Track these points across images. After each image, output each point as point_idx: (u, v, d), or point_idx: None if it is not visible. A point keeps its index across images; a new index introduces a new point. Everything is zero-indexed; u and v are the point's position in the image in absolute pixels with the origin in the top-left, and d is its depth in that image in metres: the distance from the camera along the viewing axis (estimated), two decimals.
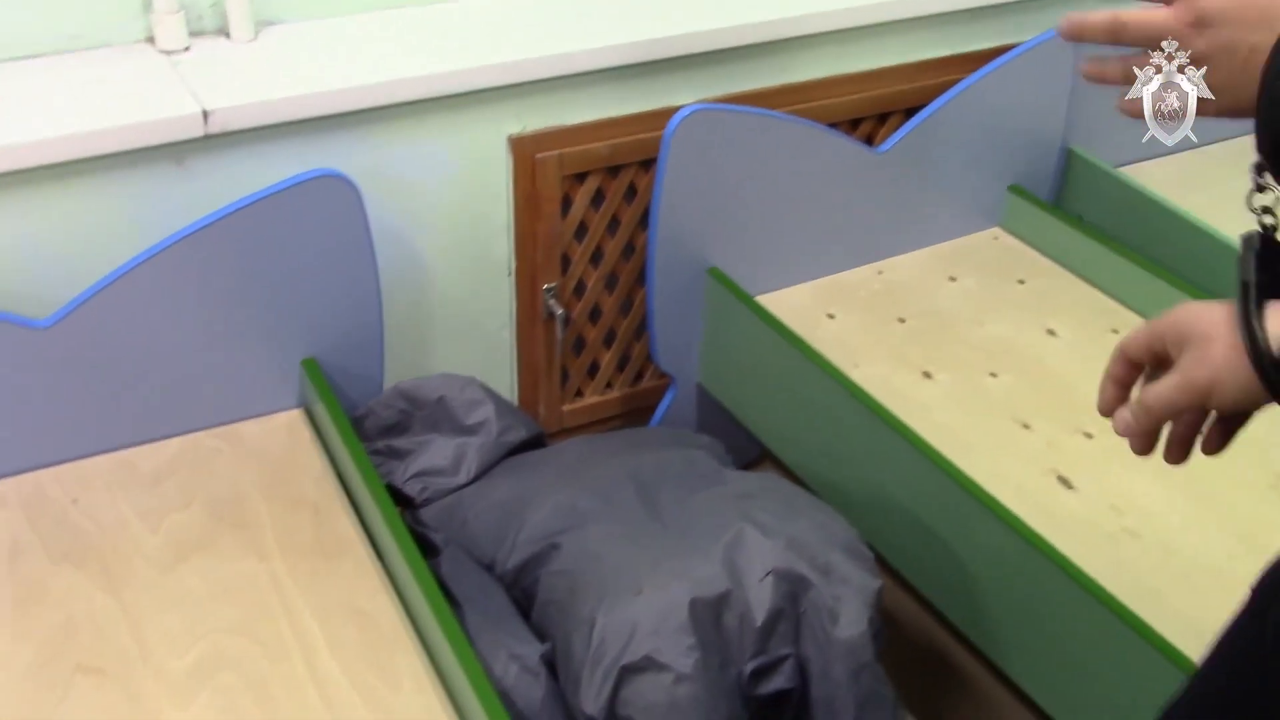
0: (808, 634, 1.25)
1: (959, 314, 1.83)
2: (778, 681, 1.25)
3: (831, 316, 1.82)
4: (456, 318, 1.75)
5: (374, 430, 1.57)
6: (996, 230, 2.03)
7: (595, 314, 1.85)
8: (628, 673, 1.18)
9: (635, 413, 1.95)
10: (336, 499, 1.47)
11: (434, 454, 1.52)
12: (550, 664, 1.25)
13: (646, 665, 1.18)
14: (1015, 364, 1.72)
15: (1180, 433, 0.80)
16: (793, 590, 1.25)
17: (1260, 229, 0.75)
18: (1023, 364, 1.72)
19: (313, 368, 1.56)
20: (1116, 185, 1.99)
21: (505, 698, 1.22)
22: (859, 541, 1.33)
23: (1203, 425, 0.80)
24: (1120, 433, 0.80)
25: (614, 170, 1.74)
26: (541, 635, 1.28)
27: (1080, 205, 2.06)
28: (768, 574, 1.24)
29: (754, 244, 1.80)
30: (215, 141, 1.45)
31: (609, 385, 1.92)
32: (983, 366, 1.72)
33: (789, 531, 1.29)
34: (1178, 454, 0.81)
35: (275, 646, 1.28)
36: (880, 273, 1.91)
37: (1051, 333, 1.79)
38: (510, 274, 1.75)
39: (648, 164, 1.74)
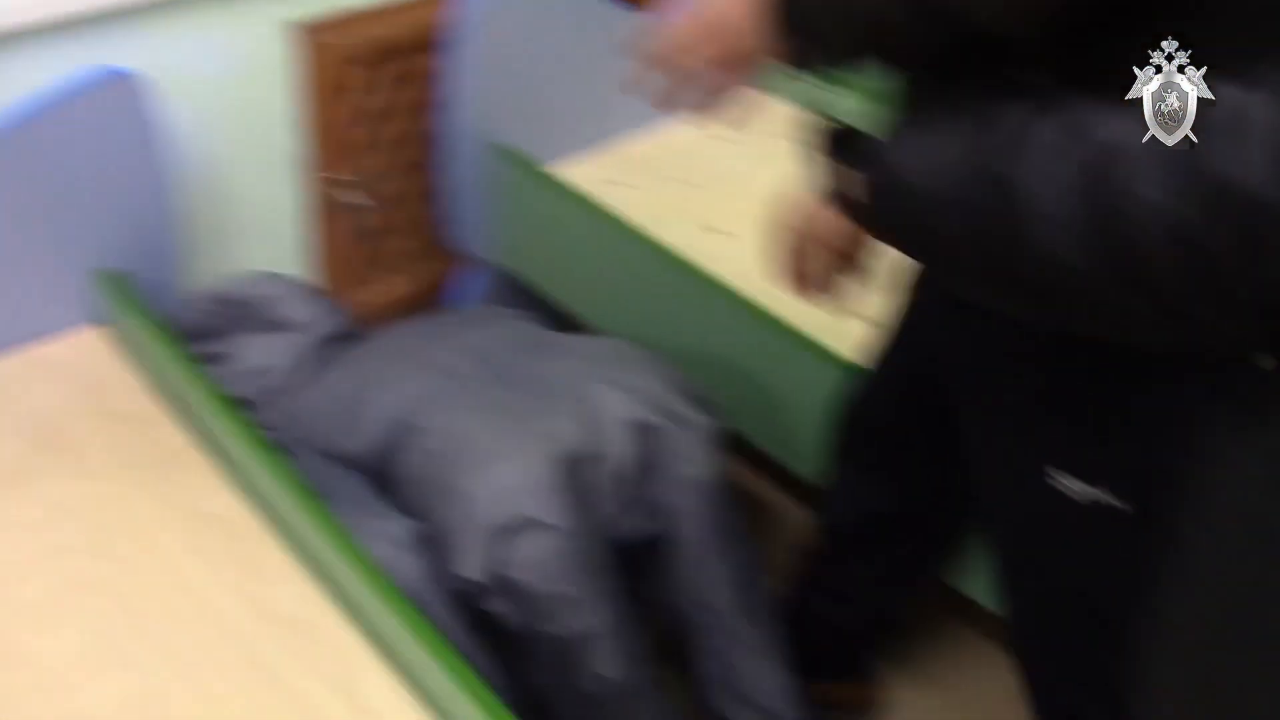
0: (665, 477, 1.33)
1: (738, 172, 1.92)
2: (644, 526, 1.32)
3: (617, 184, 1.87)
4: (247, 216, 1.70)
5: (185, 338, 1.51)
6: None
7: (384, 201, 1.83)
8: (507, 534, 1.22)
9: (430, 296, 1.95)
10: (157, 410, 1.42)
11: (253, 353, 1.49)
12: (424, 540, 1.27)
13: (524, 525, 1.22)
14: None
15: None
16: (646, 438, 1.32)
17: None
18: None
19: (110, 280, 1.49)
20: None
21: None
22: (693, 388, 1.41)
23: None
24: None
25: (393, 54, 1.71)
26: (410, 514, 1.30)
27: None
28: (623, 426, 1.30)
29: (538, 117, 1.82)
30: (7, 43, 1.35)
31: (401, 273, 1.91)
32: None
33: (635, 384, 1.35)
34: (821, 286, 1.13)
35: (134, 562, 1.25)
36: (659, 139, 1.97)
37: None
38: (298, 166, 1.71)
39: (426, 46, 1.72)
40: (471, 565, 1.21)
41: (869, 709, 1.58)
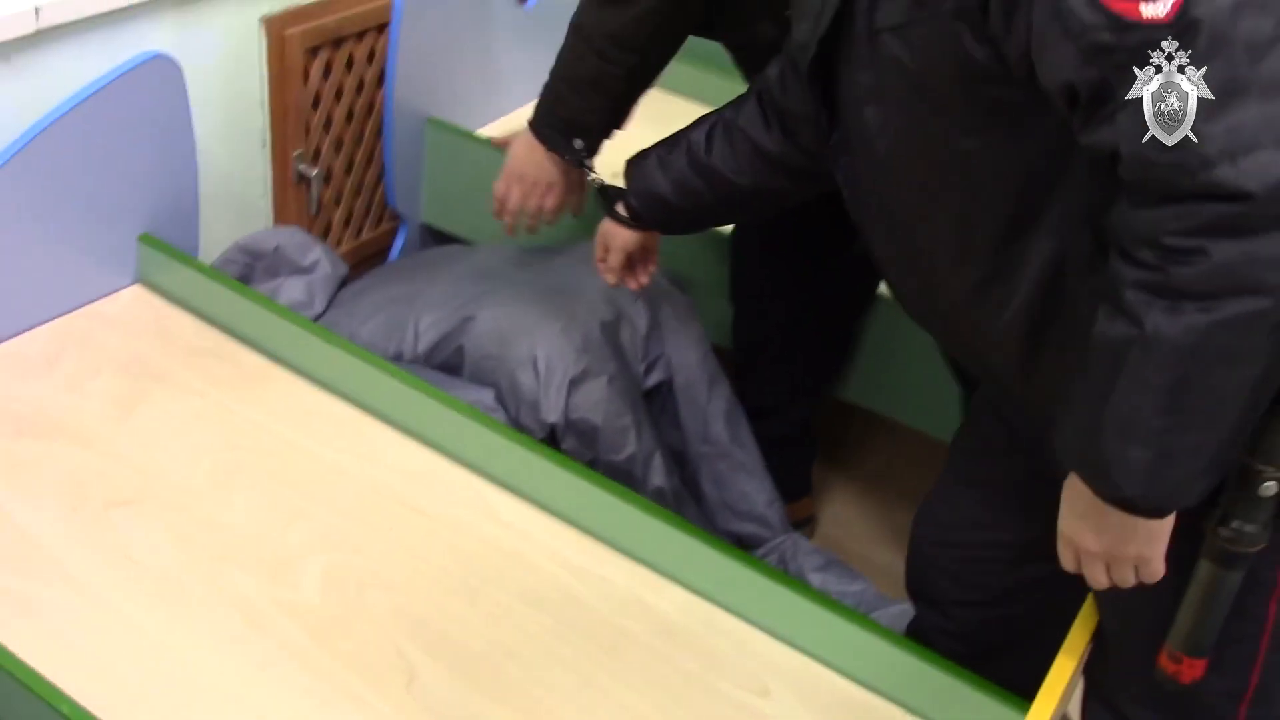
0: (669, 336, 1.69)
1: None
2: (658, 375, 1.68)
3: None
4: (221, 189, 1.92)
5: None
6: None
7: (328, 175, 2.09)
8: (574, 384, 1.55)
9: (367, 260, 2.22)
10: (226, 343, 1.66)
11: (290, 292, 1.75)
12: (500, 402, 1.58)
13: (585, 375, 1.56)
14: None
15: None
16: (654, 307, 1.68)
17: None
18: None
19: (154, 241, 1.70)
20: None
21: None
22: (670, 273, 1.78)
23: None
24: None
25: (338, 42, 1.99)
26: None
27: None
28: (638, 298, 1.66)
29: (461, 92, 2.14)
30: (43, 36, 1.54)
31: (349, 234, 2.17)
32: None
33: None
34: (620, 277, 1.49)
35: (269, 447, 1.50)
36: None
37: None
38: (265, 145, 1.96)
39: (365, 34, 2.01)
40: (552, 411, 1.54)
41: (812, 521, 1.99)
